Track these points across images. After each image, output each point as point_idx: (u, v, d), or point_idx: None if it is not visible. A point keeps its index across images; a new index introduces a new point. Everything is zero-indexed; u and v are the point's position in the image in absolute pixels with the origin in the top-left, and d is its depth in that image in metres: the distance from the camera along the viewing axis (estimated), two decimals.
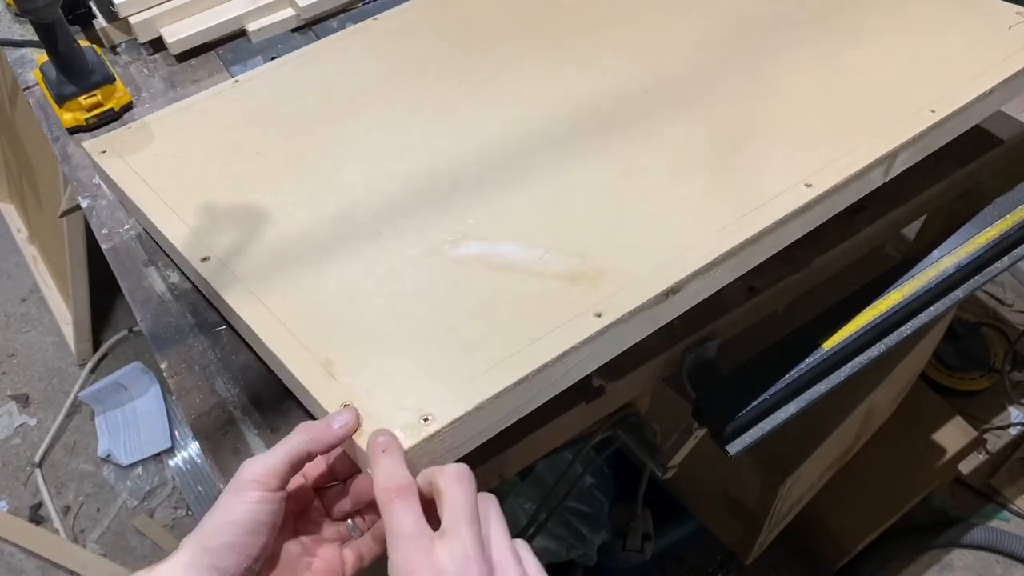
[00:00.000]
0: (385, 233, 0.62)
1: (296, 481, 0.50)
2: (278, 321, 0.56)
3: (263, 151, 0.71)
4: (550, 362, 0.52)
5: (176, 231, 0.64)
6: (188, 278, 0.69)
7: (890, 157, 0.65)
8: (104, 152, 0.73)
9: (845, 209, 0.75)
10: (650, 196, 0.63)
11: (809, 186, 0.62)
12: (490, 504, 0.45)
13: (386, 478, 0.44)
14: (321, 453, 0.48)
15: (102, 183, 0.77)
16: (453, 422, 0.49)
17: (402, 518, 0.42)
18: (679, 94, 0.72)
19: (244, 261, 0.61)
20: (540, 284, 0.57)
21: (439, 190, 0.65)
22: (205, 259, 0.62)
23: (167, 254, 0.70)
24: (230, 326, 0.65)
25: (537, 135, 0.69)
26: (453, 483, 0.43)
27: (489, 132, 0.70)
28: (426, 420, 0.49)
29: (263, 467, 0.46)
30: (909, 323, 0.74)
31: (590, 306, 0.55)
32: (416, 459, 0.48)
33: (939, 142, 0.70)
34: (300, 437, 0.47)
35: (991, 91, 0.69)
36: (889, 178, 0.68)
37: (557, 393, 0.55)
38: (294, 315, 0.57)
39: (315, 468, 0.52)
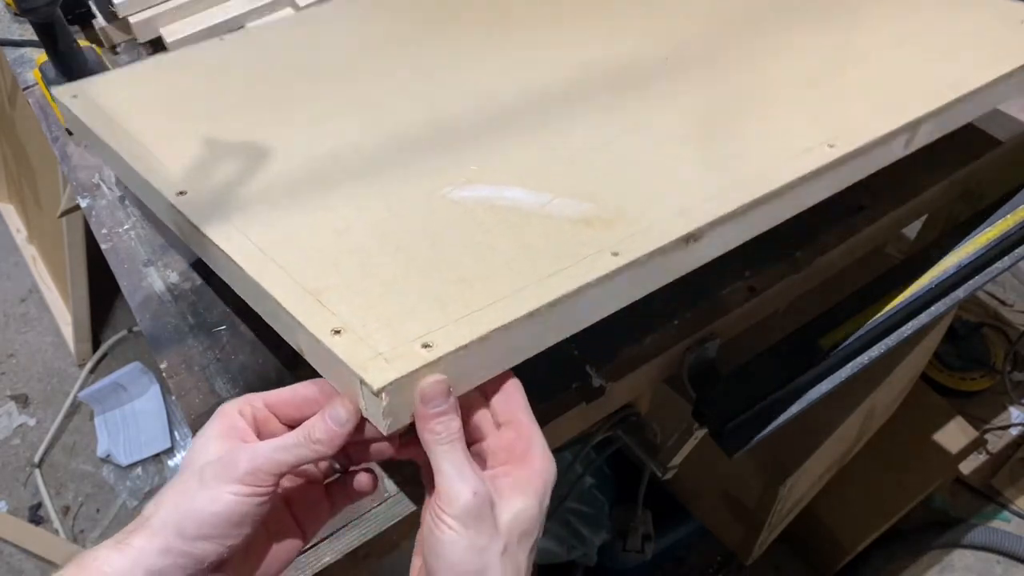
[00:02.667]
0: (383, 177, 0.59)
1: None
2: (261, 252, 0.52)
3: (251, 99, 0.67)
4: (564, 296, 0.49)
5: (150, 166, 0.59)
6: (168, 231, 0.63)
7: (913, 126, 0.64)
8: (75, 97, 0.68)
9: (845, 209, 0.76)
10: (667, 150, 0.61)
11: (832, 147, 0.60)
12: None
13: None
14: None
15: (73, 136, 0.74)
16: (458, 350, 0.45)
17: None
18: (697, 58, 0.71)
19: (226, 197, 0.57)
20: (552, 224, 0.54)
21: (442, 139, 0.62)
22: (181, 193, 0.57)
23: (144, 203, 0.65)
24: (209, 279, 0.61)
25: (547, 90, 0.67)
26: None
27: (493, 87, 0.68)
28: (427, 347, 0.45)
29: (266, 463, 0.43)
30: (910, 323, 0.74)
31: (606, 246, 0.52)
32: (410, 390, 0.44)
33: (958, 121, 0.69)
34: (312, 446, 0.44)
35: (1011, 74, 0.68)
36: (908, 151, 0.67)
37: (565, 337, 0.52)
38: (279, 247, 0.52)
39: None
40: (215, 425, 0.45)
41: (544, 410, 0.65)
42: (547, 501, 0.45)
